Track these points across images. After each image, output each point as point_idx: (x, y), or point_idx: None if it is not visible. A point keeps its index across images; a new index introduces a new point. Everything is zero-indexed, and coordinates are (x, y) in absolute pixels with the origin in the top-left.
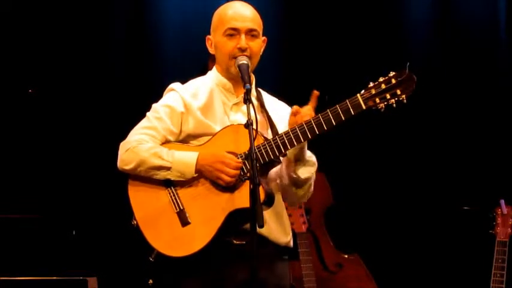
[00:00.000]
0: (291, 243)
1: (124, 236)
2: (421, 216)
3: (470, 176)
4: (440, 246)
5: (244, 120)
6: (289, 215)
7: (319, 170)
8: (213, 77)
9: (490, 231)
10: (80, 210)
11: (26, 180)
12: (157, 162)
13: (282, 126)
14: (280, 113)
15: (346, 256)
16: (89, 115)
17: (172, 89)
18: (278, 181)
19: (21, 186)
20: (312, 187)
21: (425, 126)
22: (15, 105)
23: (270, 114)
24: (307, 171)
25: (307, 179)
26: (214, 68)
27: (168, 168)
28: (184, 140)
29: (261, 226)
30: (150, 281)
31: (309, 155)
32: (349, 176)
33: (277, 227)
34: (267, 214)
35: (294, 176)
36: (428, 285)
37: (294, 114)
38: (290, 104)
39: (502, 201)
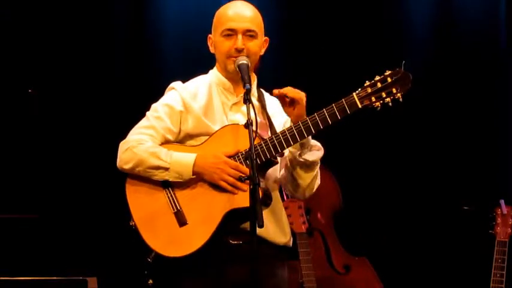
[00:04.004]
0: (290, 243)
1: (124, 236)
2: (421, 217)
3: (470, 176)
4: (440, 246)
5: (243, 121)
6: (289, 215)
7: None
8: (213, 76)
9: (490, 231)
10: (79, 210)
11: (25, 180)
12: (156, 162)
13: (282, 128)
14: (282, 114)
15: (354, 258)
16: (89, 115)
17: (173, 88)
18: (283, 173)
19: (20, 186)
20: (319, 179)
21: (426, 126)
22: (15, 105)
23: (270, 115)
24: (314, 155)
25: (314, 163)
26: (215, 67)
27: (166, 169)
28: (183, 139)
29: (261, 226)
30: (150, 281)
31: (314, 142)
32: (352, 177)
33: (274, 227)
34: (265, 214)
35: (301, 159)
36: (428, 285)
37: (284, 101)
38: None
39: (502, 201)
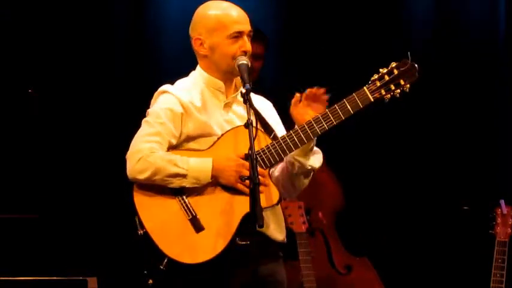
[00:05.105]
0: (285, 239)
1: (124, 236)
2: (421, 217)
3: (470, 176)
4: (441, 246)
5: (238, 121)
6: (289, 215)
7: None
8: (201, 77)
9: (490, 231)
10: (79, 210)
11: (25, 180)
12: (174, 170)
13: (271, 122)
14: (265, 108)
15: (355, 258)
16: (89, 115)
17: (166, 91)
18: (276, 175)
19: (20, 186)
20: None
21: (426, 127)
22: (15, 105)
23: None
24: (318, 160)
25: (316, 168)
26: (199, 68)
27: (184, 176)
28: (182, 142)
29: (261, 226)
30: (150, 281)
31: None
32: (353, 177)
33: (275, 225)
34: (267, 213)
35: (309, 167)
36: (428, 285)
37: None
38: (286, 102)
39: (502, 201)
